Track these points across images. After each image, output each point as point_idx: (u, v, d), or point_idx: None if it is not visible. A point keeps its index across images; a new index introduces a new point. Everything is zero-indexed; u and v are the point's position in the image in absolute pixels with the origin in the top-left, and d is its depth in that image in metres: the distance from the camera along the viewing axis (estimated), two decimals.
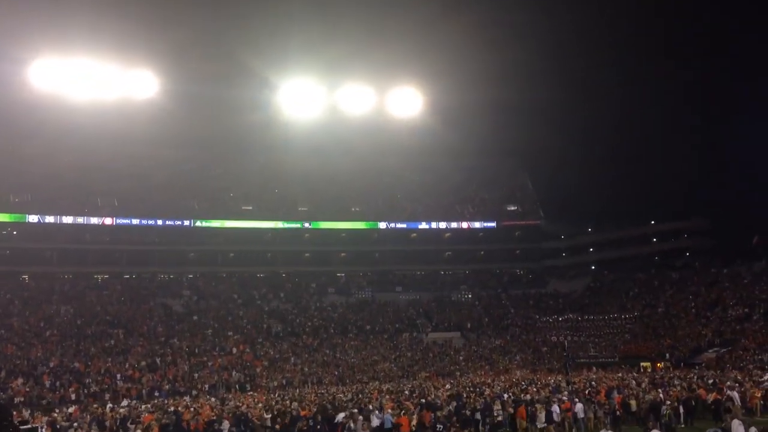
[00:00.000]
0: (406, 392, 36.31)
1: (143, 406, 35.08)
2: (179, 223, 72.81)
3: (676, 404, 26.73)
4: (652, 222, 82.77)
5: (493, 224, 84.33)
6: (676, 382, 35.44)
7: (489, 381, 43.90)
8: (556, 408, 25.65)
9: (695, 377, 38.58)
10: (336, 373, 54.96)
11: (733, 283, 64.45)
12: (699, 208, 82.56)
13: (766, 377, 35.96)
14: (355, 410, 27.41)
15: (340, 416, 25.99)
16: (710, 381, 34.46)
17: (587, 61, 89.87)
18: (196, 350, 56.40)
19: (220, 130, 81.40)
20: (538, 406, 26.43)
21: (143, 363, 51.82)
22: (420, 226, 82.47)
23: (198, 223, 73.46)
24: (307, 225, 78.38)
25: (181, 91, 62.46)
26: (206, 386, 48.38)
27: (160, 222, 72.07)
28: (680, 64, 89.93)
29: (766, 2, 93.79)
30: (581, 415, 26.18)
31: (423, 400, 30.40)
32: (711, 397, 28.06)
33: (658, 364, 53.46)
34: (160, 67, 58.24)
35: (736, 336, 53.47)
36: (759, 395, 29.40)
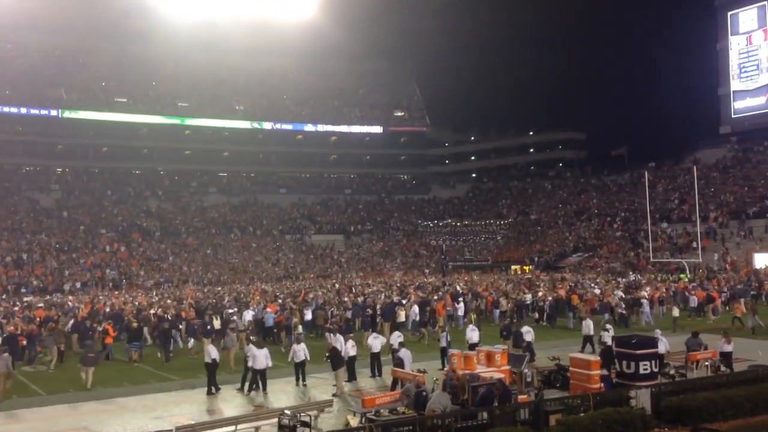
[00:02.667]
0: (278, 294, 36.05)
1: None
2: (45, 112, 67.42)
3: (541, 304, 28.71)
4: (531, 133, 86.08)
5: (379, 129, 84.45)
6: (539, 284, 38.09)
7: (368, 282, 45.16)
8: (415, 308, 26.59)
9: (559, 279, 41.50)
10: (217, 272, 54.54)
11: (600, 193, 68.87)
12: (575, 121, 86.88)
13: (624, 281, 39.14)
14: (236, 309, 27.52)
15: (227, 312, 26.07)
16: (570, 284, 37.23)
17: None
18: (66, 247, 53.88)
19: (91, 16, 74.65)
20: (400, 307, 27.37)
21: (8, 258, 49.03)
22: (306, 128, 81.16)
23: (66, 114, 68.29)
24: (187, 122, 74.98)
25: None
26: (78, 284, 46.66)
27: (24, 110, 66.42)
28: None
29: None
30: (461, 312, 27.63)
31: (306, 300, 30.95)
32: (573, 297, 30.37)
33: (526, 267, 57.02)
34: None
35: (600, 242, 57.48)
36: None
